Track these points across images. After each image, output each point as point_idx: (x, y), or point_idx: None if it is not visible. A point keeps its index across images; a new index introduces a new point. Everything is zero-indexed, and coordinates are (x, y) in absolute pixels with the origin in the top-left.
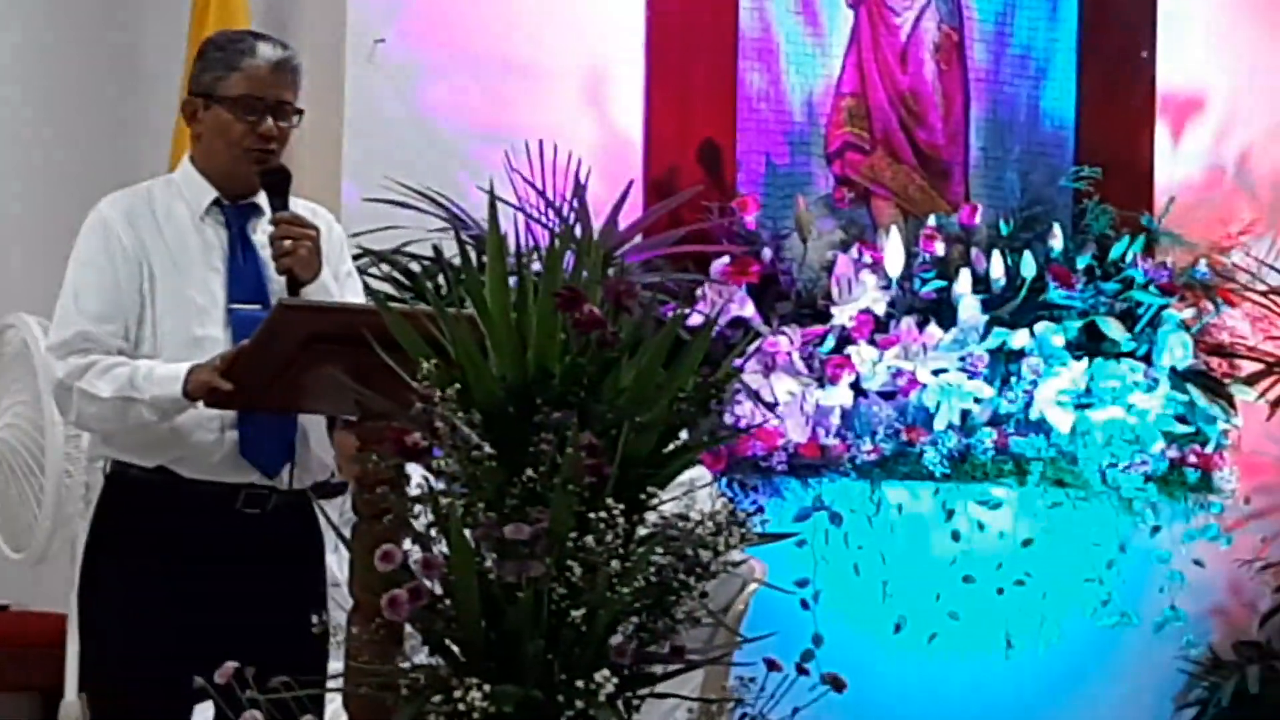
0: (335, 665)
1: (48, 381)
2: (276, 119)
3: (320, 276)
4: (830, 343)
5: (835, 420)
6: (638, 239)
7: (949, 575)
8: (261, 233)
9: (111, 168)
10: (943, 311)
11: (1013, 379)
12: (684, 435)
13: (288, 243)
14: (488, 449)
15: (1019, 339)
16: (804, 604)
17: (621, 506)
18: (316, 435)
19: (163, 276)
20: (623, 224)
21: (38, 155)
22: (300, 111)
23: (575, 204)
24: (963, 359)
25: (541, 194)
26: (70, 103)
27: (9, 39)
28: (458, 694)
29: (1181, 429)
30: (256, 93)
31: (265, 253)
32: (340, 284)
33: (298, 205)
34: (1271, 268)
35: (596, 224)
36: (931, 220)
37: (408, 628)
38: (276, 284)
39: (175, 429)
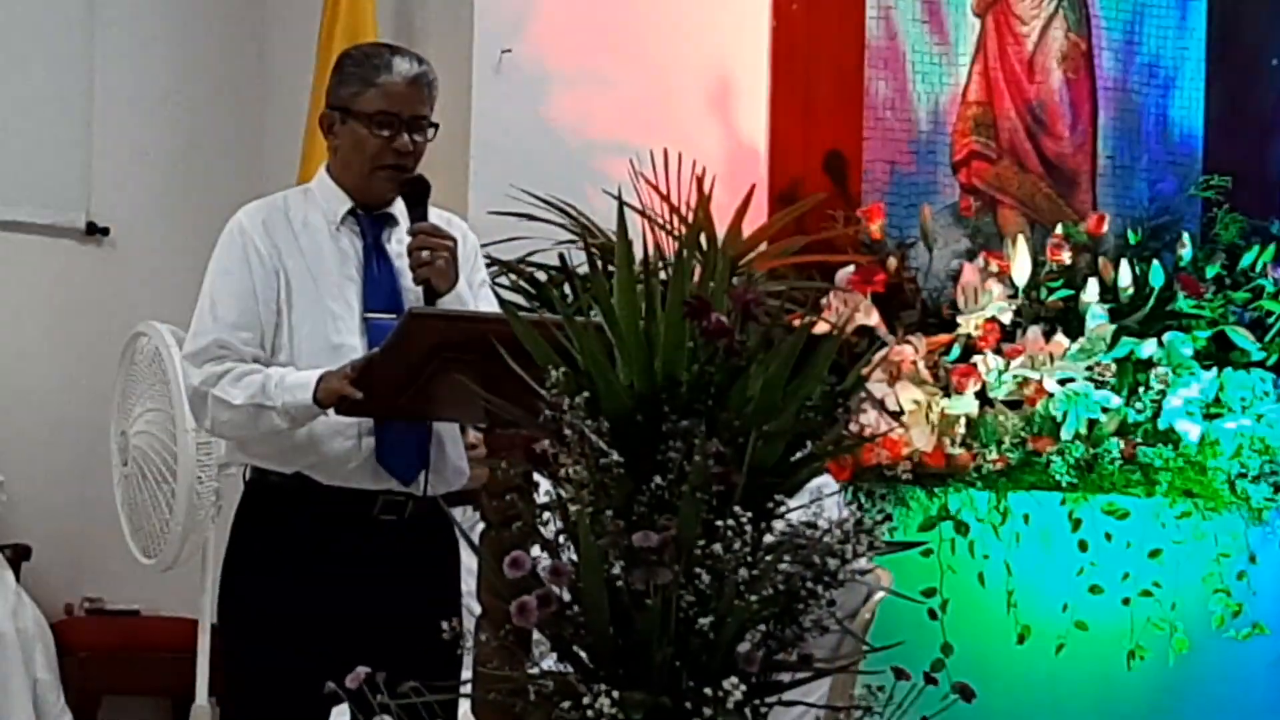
0: (467, 672)
1: (182, 388)
2: (411, 134)
3: (456, 287)
4: (956, 352)
5: (961, 429)
6: (763, 247)
7: (1075, 585)
8: (397, 242)
9: (241, 179)
10: (1070, 320)
11: (1141, 389)
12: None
13: (425, 253)
14: (616, 457)
15: (1147, 348)
16: (931, 613)
17: (749, 514)
18: (452, 441)
19: (299, 285)
20: (747, 233)
21: (169, 167)
22: (435, 125)
23: (699, 214)
24: (1090, 368)
25: (667, 200)
26: (201, 115)
27: (139, 56)
28: (586, 701)
29: None
30: (392, 108)
31: (400, 262)
32: (474, 293)
33: (434, 215)
34: None
35: (721, 232)
36: (1059, 229)
37: (536, 634)
38: (411, 293)
39: (311, 436)
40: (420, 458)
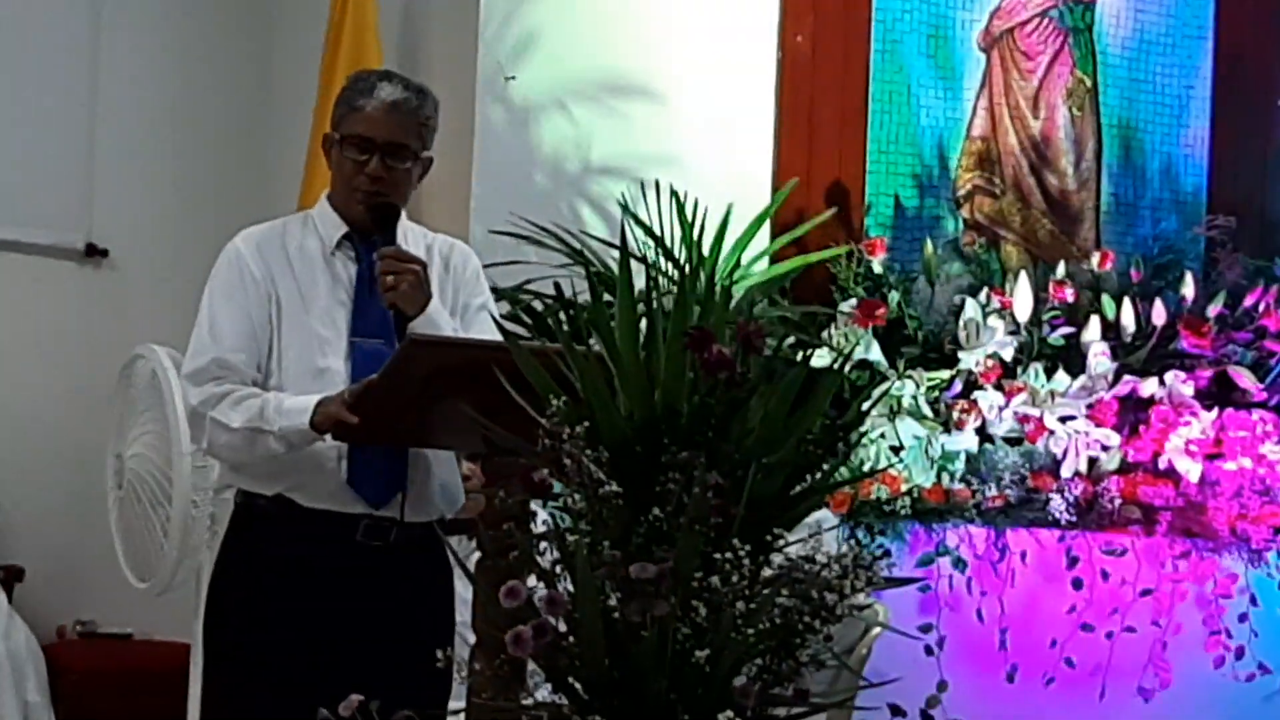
0: (456, 702)
1: (179, 412)
2: (387, 159)
3: (428, 309)
4: (957, 387)
5: (961, 465)
6: (763, 264)
7: (1068, 622)
8: None
9: (242, 203)
10: (1071, 358)
11: (1141, 427)
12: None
13: (390, 278)
14: (614, 487)
15: (1148, 387)
16: (928, 650)
17: (747, 547)
18: (442, 467)
19: (289, 309)
20: (746, 260)
21: (169, 189)
22: (419, 157)
23: (700, 245)
24: (1091, 406)
25: (651, 234)
26: (202, 138)
27: (142, 78)
28: None
29: None
30: (367, 133)
31: None
32: (469, 316)
33: (438, 240)
34: None
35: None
36: (1061, 266)
37: (531, 664)
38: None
39: (294, 459)
40: (393, 483)
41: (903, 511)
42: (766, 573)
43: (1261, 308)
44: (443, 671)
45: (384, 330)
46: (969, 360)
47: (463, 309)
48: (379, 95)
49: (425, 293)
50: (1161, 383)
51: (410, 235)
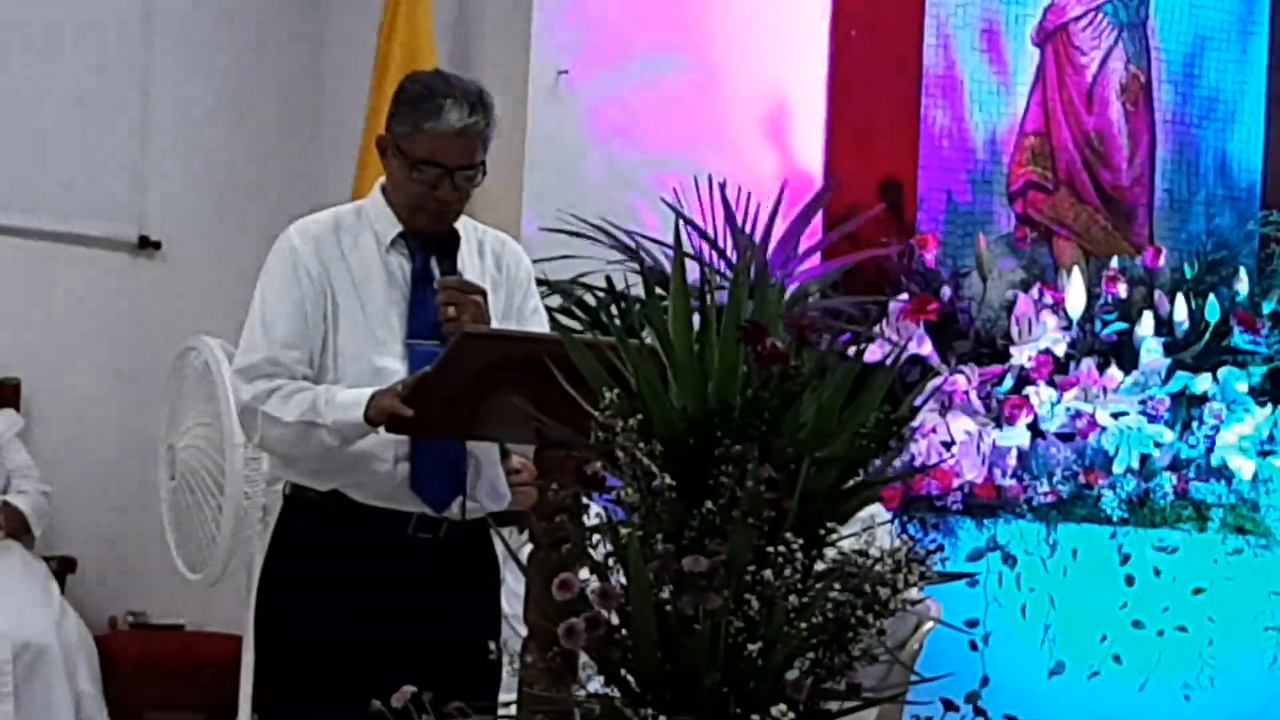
0: (506, 694)
1: (231, 404)
2: (455, 181)
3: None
4: (1009, 383)
5: (1012, 461)
6: (815, 259)
7: (1119, 619)
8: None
9: (294, 194)
10: (1124, 354)
11: (1194, 423)
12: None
13: (451, 310)
14: (667, 480)
15: (1201, 383)
16: (973, 645)
17: (800, 541)
18: (489, 464)
19: (346, 307)
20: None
21: (222, 181)
22: (484, 169)
23: (753, 238)
24: (1143, 402)
25: (704, 235)
26: (254, 129)
27: (194, 70)
28: None
29: None
30: (436, 158)
31: None
32: (525, 320)
33: (489, 236)
34: None
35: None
36: (1114, 262)
37: (583, 656)
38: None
39: (353, 456)
40: (454, 485)
41: (954, 507)
42: (819, 567)
43: None
44: (492, 663)
45: (438, 332)
46: (1021, 355)
47: (518, 313)
48: (448, 119)
49: (486, 319)
50: (1214, 379)
51: (462, 229)
